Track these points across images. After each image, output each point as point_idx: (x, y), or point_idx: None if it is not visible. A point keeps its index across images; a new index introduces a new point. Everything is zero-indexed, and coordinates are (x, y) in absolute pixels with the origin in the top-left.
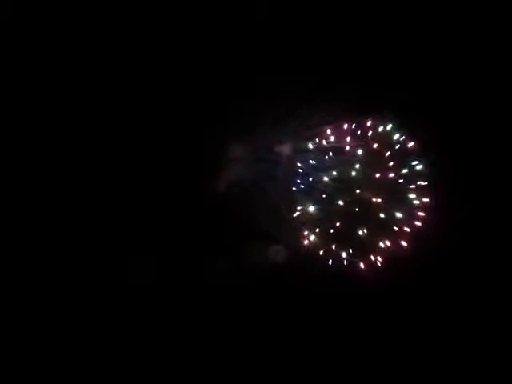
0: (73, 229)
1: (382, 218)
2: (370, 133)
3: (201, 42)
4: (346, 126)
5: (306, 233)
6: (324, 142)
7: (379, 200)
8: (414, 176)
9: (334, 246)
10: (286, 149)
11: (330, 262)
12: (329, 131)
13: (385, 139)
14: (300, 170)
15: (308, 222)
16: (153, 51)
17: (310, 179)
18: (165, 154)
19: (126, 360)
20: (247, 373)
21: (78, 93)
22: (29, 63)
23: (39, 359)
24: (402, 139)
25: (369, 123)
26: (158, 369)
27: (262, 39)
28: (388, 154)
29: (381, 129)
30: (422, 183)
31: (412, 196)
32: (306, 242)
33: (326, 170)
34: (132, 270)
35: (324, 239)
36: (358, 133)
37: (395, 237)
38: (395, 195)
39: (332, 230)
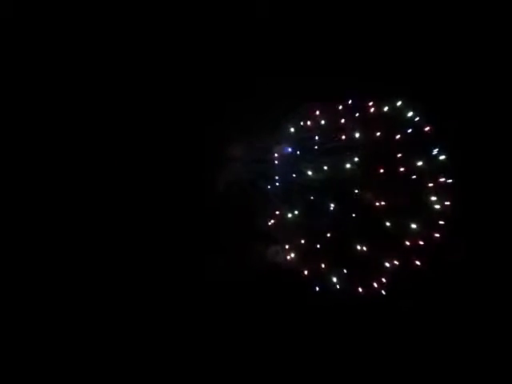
0: (71, 228)
1: (388, 228)
2: (372, 110)
3: (201, 42)
4: (340, 106)
5: (286, 247)
6: (309, 123)
7: (384, 203)
8: (433, 171)
9: (322, 266)
10: (285, 149)
11: (317, 288)
12: (318, 112)
13: (392, 121)
14: (276, 162)
15: (287, 232)
16: (153, 51)
17: (293, 175)
18: (164, 154)
19: (126, 360)
20: (245, 372)
21: (79, 92)
22: (29, 63)
23: (39, 359)
24: (416, 120)
25: (371, 103)
26: (158, 368)
27: (262, 39)
28: (397, 139)
29: (386, 108)
30: (443, 180)
31: (431, 198)
32: (285, 259)
33: (313, 162)
34: (131, 269)
35: (309, 256)
36: (357, 115)
37: (406, 254)
38: (406, 197)
39: (320, 244)
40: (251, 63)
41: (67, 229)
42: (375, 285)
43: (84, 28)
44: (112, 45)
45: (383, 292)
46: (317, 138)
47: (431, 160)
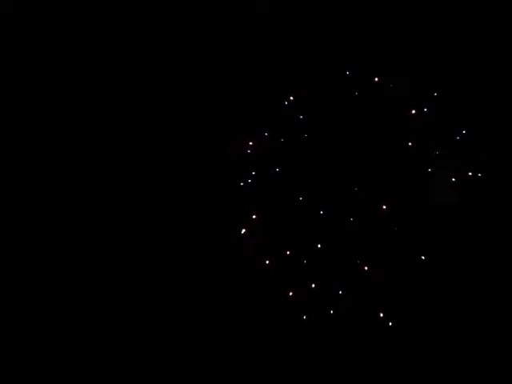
0: (70, 228)
1: (397, 238)
2: (375, 79)
3: (199, 41)
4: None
5: (266, 262)
6: (291, 97)
7: (389, 206)
8: (455, 162)
9: (312, 286)
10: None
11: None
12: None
13: (402, 97)
14: (248, 151)
15: (264, 241)
16: (151, 50)
17: (277, 169)
18: (161, 154)
19: (126, 360)
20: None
21: (81, 91)
22: (29, 62)
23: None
24: (434, 96)
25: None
26: (157, 369)
27: (261, 37)
28: (407, 120)
29: (392, 85)
30: (470, 175)
31: (453, 197)
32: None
33: (295, 151)
34: (130, 269)
35: (294, 273)
36: (356, 93)
37: (418, 270)
38: (419, 197)
39: (306, 260)
40: (250, 62)
41: (67, 228)
42: (381, 314)
43: (85, 27)
44: (112, 45)
45: (390, 323)
46: (301, 116)
47: (452, 148)
